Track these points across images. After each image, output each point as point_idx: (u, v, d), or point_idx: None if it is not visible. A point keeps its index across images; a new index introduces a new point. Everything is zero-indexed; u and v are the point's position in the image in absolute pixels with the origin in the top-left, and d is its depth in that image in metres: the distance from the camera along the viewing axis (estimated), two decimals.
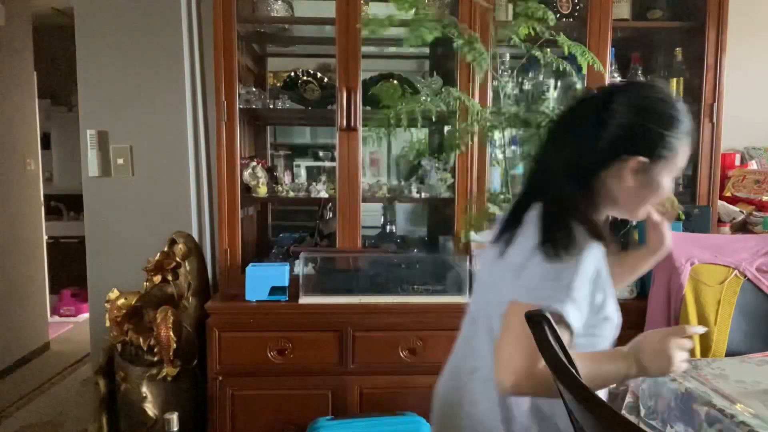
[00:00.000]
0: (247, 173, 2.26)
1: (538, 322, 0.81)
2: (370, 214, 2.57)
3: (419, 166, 2.41)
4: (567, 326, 0.95)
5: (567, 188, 1.02)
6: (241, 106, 2.16)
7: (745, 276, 1.82)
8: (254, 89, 2.33)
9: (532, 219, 1.04)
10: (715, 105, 2.15)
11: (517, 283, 0.99)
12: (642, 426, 1.19)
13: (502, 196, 1.88)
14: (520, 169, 2.12)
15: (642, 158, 1.00)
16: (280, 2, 2.26)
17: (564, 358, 0.76)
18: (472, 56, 1.45)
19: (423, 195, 2.35)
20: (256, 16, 2.29)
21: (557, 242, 0.97)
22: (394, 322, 2.07)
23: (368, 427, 1.91)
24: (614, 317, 1.05)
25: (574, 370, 0.75)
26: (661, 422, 1.14)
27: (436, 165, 2.32)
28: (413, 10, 1.49)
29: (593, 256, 0.98)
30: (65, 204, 5.11)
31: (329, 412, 2.05)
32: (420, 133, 2.69)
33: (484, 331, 1.11)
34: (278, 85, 2.54)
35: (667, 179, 1.04)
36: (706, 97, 2.16)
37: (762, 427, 0.94)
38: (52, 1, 4.27)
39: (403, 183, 2.44)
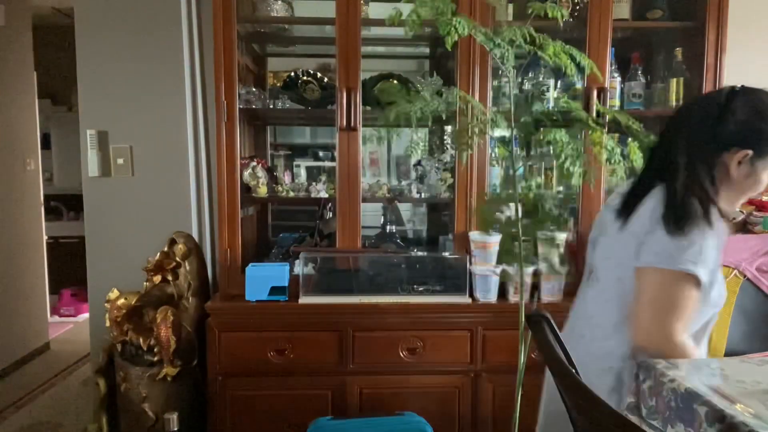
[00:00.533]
0: (247, 173, 2.26)
1: (538, 322, 0.81)
2: (370, 213, 2.57)
3: (418, 166, 2.41)
4: (699, 288, 1.10)
5: (686, 171, 1.18)
6: (241, 106, 2.16)
7: (745, 276, 1.82)
8: (254, 89, 2.33)
9: (655, 195, 1.20)
10: None
11: (645, 249, 1.15)
12: (643, 426, 1.18)
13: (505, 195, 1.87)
14: (521, 170, 2.11)
15: (749, 150, 1.16)
16: (280, 2, 2.26)
17: (564, 358, 0.76)
18: (499, 52, 1.44)
19: (423, 195, 2.35)
20: (256, 16, 2.28)
21: (682, 216, 1.12)
22: (394, 322, 2.07)
23: (368, 427, 1.91)
24: (717, 298, 1.19)
25: (573, 370, 0.75)
26: (662, 422, 1.13)
27: (436, 165, 2.31)
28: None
29: (715, 234, 1.12)
30: (65, 204, 5.11)
31: (329, 412, 2.05)
32: (420, 133, 2.68)
33: (604, 300, 1.27)
34: (278, 85, 2.54)
35: (765, 174, 1.21)
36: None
37: (762, 427, 0.94)
38: (52, 1, 4.27)
39: (403, 183, 2.44)
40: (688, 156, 1.20)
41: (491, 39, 1.43)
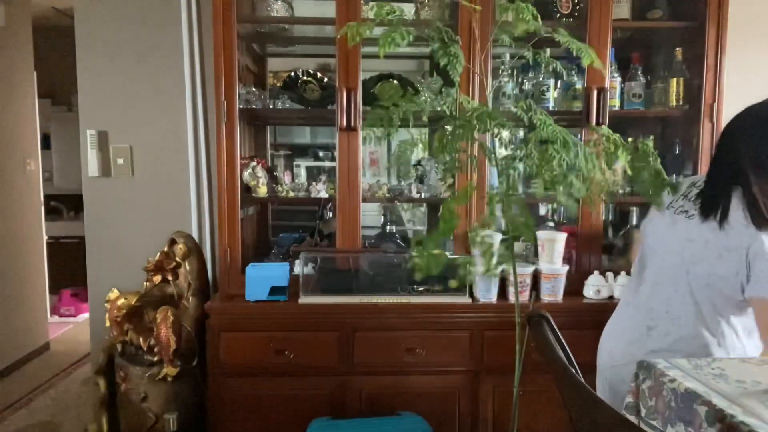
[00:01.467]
0: (247, 173, 2.26)
1: (538, 322, 0.81)
2: (371, 213, 2.57)
3: (418, 166, 2.41)
4: None
5: (754, 179, 1.28)
6: (241, 106, 2.16)
7: None
8: (254, 89, 2.33)
9: (736, 200, 1.31)
10: (715, 105, 2.15)
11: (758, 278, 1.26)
12: (643, 426, 1.19)
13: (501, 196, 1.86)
14: (519, 169, 2.11)
15: None
16: (280, 2, 2.26)
17: (564, 358, 0.76)
18: (445, 60, 1.45)
19: (423, 195, 2.35)
20: (256, 16, 2.28)
21: None
22: (394, 322, 2.07)
23: (367, 427, 1.91)
24: None
25: (574, 370, 0.75)
26: (661, 422, 1.13)
27: (436, 165, 2.31)
28: (396, 13, 1.47)
29: None
30: (65, 204, 5.11)
31: (329, 413, 2.05)
32: (418, 133, 2.69)
33: (686, 300, 1.38)
34: (278, 85, 2.54)
35: None
36: (706, 97, 2.15)
37: (761, 427, 0.94)
38: (52, 1, 4.27)
39: (403, 183, 2.44)
40: (751, 163, 1.30)
41: (441, 47, 1.45)
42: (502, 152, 2.17)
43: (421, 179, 2.38)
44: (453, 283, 1.81)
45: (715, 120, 2.15)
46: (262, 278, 2.08)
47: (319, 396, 2.06)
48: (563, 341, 0.80)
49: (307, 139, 2.98)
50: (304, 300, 2.09)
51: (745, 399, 1.04)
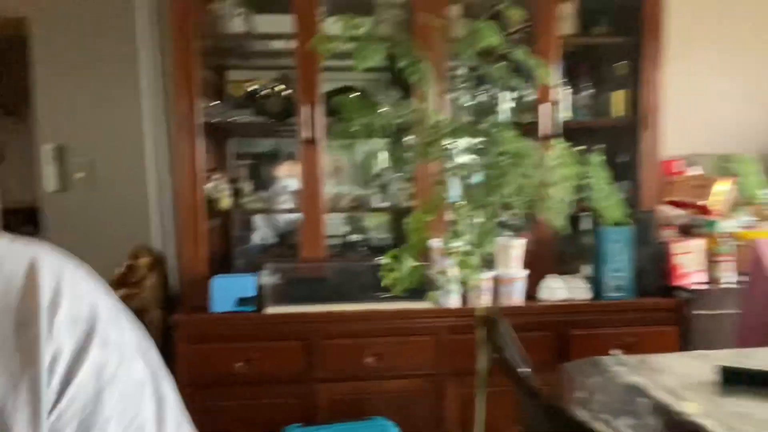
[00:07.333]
0: (209, 186, 2.28)
1: (492, 324, 0.88)
2: (335, 222, 2.61)
3: (381, 176, 2.47)
4: None
5: None
6: (202, 120, 2.18)
7: None
8: (215, 102, 2.35)
9: None
10: (654, 115, 2.29)
11: None
12: (593, 420, 1.27)
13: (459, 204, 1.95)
14: (477, 179, 2.20)
15: None
16: (238, 18, 2.28)
17: (515, 356, 0.84)
18: (417, 76, 1.53)
19: (385, 204, 2.41)
20: (215, 31, 2.31)
21: None
22: (360, 329, 2.13)
23: None
24: None
25: (525, 368, 0.82)
26: (610, 415, 1.23)
27: (398, 175, 2.38)
28: (363, 28, 1.55)
29: None
30: (18, 219, 4.96)
31: (300, 420, 2.08)
32: (381, 143, 2.75)
33: None
34: (239, 97, 2.56)
35: None
36: (645, 108, 2.29)
37: (702, 417, 1.04)
38: (3, 10, 4.16)
39: (366, 192, 2.50)
40: None
41: (411, 64, 1.53)
42: (462, 160, 2.26)
43: (383, 188, 2.45)
44: (432, 296, 1.89)
45: (654, 129, 2.29)
46: (228, 289, 2.11)
47: (289, 404, 2.10)
48: (516, 342, 0.87)
49: (271, 149, 3.00)
50: (270, 310, 2.12)
51: (688, 392, 1.14)
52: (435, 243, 2.22)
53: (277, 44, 2.53)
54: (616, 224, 2.04)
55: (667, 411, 1.08)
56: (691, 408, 1.05)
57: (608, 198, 1.58)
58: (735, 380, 1.17)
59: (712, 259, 2.20)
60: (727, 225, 2.25)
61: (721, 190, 2.32)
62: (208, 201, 2.26)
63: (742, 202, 2.39)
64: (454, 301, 2.18)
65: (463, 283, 2.18)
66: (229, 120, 2.35)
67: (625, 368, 1.24)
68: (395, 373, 2.14)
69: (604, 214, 1.60)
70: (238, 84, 2.53)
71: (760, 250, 1.90)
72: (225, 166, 2.69)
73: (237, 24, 2.28)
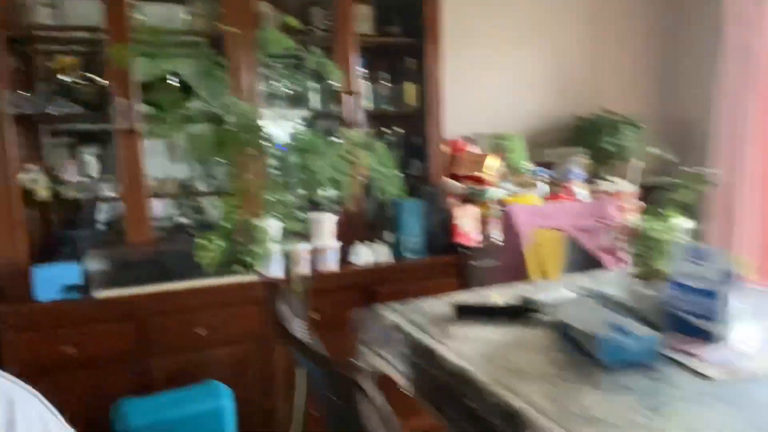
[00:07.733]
0: (24, 176, 2.27)
1: (273, 291, 1.17)
2: (162, 205, 2.72)
3: (205, 161, 2.64)
4: None
5: None
6: (11, 112, 2.17)
7: (569, 234, 2.44)
8: (25, 92, 2.33)
9: None
10: (437, 104, 2.75)
11: None
12: (371, 353, 1.65)
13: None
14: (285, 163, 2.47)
15: None
16: (45, 6, 2.28)
17: (289, 322, 1.14)
18: (210, 80, 1.78)
19: (211, 189, 2.59)
20: (22, 21, 2.27)
21: None
22: (190, 304, 2.32)
23: (171, 397, 2.16)
24: None
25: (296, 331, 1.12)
26: (377, 347, 1.62)
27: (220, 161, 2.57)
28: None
29: None
30: None
31: (135, 394, 2.22)
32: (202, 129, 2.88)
33: None
34: (52, 87, 2.53)
35: None
36: (429, 98, 2.74)
37: (433, 343, 1.44)
38: None
39: (192, 176, 2.65)
40: None
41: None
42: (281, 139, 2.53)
43: (207, 172, 2.62)
44: (239, 270, 2.13)
45: (437, 115, 2.76)
46: (52, 278, 2.16)
47: (124, 380, 2.22)
48: (302, 307, 1.15)
49: (92, 134, 2.96)
50: (98, 294, 2.22)
51: (431, 327, 1.55)
52: (254, 221, 2.48)
53: (89, 34, 2.54)
54: (410, 197, 2.48)
55: (412, 340, 1.49)
56: (426, 339, 1.46)
57: (387, 177, 1.97)
58: (465, 313, 1.62)
59: (484, 221, 2.74)
60: (496, 193, 2.80)
61: (493, 164, 2.87)
62: (24, 191, 2.26)
63: (509, 174, 2.97)
64: (276, 271, 2.46)
65: (285, 255, 2.49)
66: (41, 112, 2.34)
67: (392, 312, 1.63)
68: (226, 340, 2.38)
69: (385, 190, 1.98)
70: (50, 72, 2.51)
71: (511, 212, 2.45)
72: (40, 156, 2.65)
73: (44, 13, 2.28)
